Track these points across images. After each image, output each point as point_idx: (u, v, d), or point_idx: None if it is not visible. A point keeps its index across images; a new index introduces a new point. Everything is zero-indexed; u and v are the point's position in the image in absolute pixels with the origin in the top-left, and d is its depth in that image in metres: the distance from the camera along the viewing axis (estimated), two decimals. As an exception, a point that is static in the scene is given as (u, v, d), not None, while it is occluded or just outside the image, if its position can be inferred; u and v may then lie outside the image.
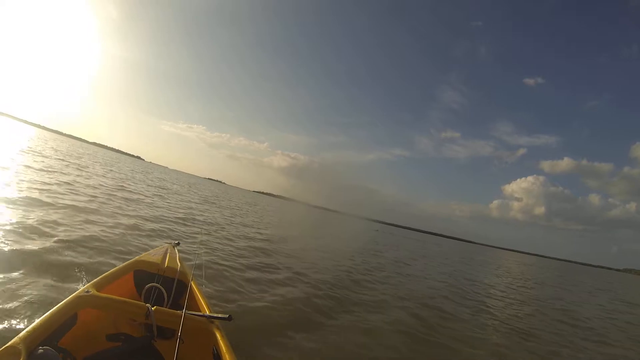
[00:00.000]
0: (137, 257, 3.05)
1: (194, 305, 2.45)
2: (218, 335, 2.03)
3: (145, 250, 4.31)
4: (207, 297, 2.61)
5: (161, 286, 2.60)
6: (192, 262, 3.07)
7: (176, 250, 3.42)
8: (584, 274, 43.38)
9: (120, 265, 2.83)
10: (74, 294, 2.08)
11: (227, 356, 1.89)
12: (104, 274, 2.54)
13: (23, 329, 1.64)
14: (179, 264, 3.02)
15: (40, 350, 1.56)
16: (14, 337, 1.55)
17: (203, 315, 2.17)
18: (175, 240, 3.93)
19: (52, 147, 29.39)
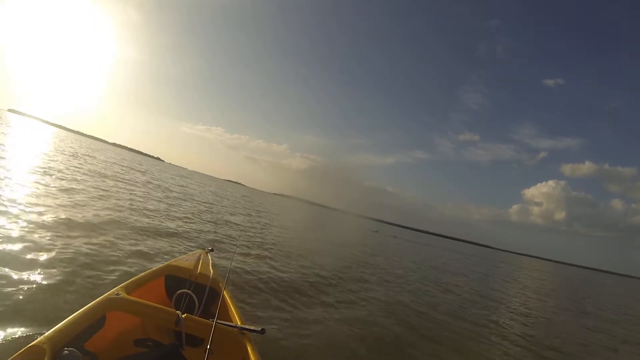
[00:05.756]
0: (169, 262, 3.01)
1: (225, 314, 2.39)
2: (249, 348, 1.97)
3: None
4: (239, 307, 2.56)
5: (192, 293, 2.56)
6: (225, 270, 3.00)
7: (209, 257, 3.37)
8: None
9: (152, 268, 2.81)
10: (103, 296, 2.05)
11: None
12: (135, 277, 2.52)
13: (50, 329, 1.61)
14: (211, 271, 2.97)
15: (66, 352, 1.54)
16: (40, 336, 1.53)
17: (234, 326, 2.10)
18: (209, 246, 3.89)
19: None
